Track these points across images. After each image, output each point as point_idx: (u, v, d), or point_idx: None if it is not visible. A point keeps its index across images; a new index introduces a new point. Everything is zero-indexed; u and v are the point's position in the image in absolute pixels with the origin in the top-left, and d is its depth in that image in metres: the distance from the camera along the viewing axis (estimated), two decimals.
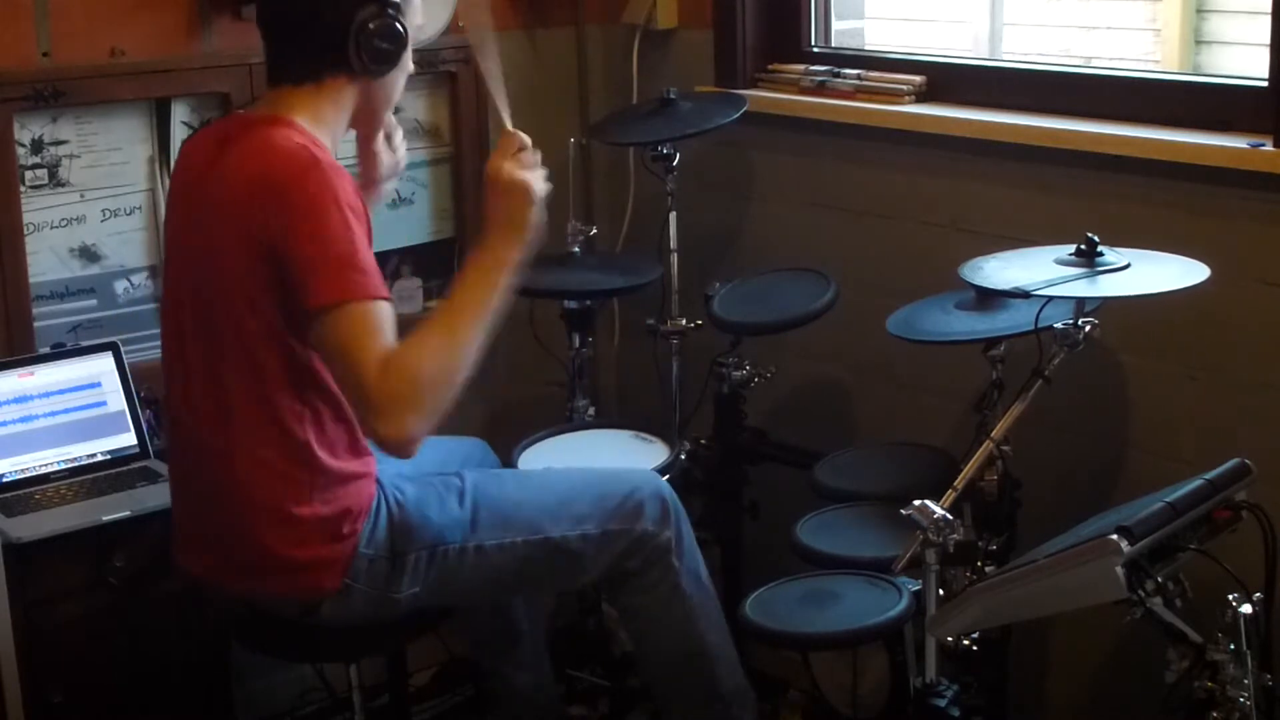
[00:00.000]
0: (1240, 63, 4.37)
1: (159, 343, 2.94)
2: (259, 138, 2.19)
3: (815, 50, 3.28)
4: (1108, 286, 2.20)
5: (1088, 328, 2.24)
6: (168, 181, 2.97)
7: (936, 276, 2.68)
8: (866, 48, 3.53)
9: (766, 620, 2.34)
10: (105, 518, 2.60)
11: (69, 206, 2.90)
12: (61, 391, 2.78)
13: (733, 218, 3.38)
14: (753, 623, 2.34)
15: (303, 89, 2.23)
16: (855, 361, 3.15)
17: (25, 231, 2.82)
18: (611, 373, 3.67)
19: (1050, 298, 2.20)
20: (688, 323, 3.13)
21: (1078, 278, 2.21)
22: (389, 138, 2.50)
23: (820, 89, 3.11)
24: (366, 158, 2.50)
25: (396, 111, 2.50)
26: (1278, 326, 2.46)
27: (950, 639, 2.28)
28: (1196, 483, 2.07)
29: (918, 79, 2.97)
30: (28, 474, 2.71)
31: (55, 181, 2.87)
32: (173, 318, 2.31)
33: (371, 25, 2.19)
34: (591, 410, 3.20)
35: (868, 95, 3.02)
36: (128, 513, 2.61)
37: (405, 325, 2.16)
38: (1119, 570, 1.91)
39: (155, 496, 2.66)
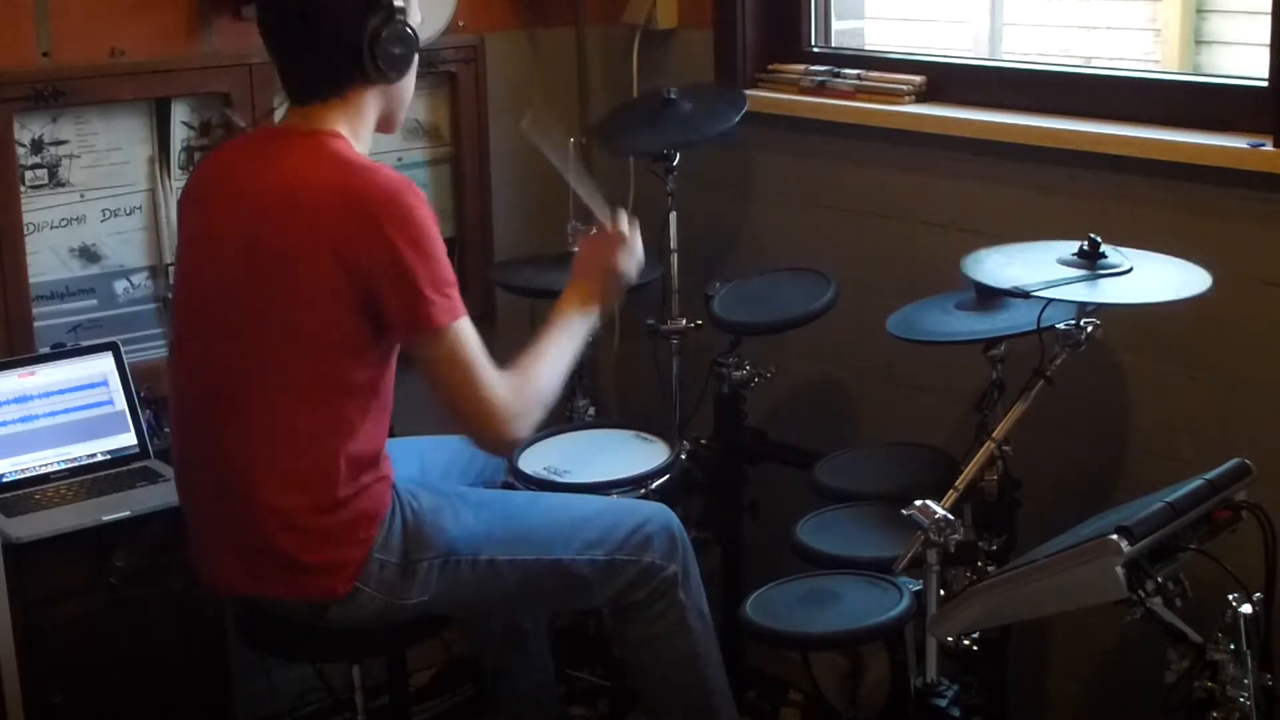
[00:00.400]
0: (1240, 63, 4.37)
1: (160, 342, 2.96)
2: (325, 149, 2.20)
3: (815, 50, 3.28)
4: (1110, 292, 2.19)
5: (1090, 328, 2.24)
6: (168, 181, 2.97)
7: (936, 276, 2.68)
8: (866, 48, 3.52)
9: (766, 620, 2.34)
10: (105, 518, 2.60)
11: (69, 206, 2.90)
12: (61, 391, 2.78)
13: (733, 218, 3.38)
14: (753, 623, 2.34)
15: (331, 105, 2.24)
16: (855, 361, 3.15)
17: (25, 231, 2.82)
18: (611, 373, 3.67)
19: (1051, 299, 2.20)
20: (688, 323, 3.13)
21: (1080, 279, 2.21)
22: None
23: (820, 89, 3.11)
24: None
25: None
26: (1278, 326, 2.46)
27: (950, 639, 2.28)
28: (1196, 483, 2.07)
29: (918, 79, 2.97)
30: (28, 474, 2.71)
31: (55, 181, 2.87)
32: (205, 317, 2.27)
33: (383, 33, 2.20)
34: (591, 410, 3.20)
35: (868, 95, 3.02)
36: (128, 513, 2.61)
37: None
38: (1119, 570, 1.91)
39: (155, 496, 2.66)
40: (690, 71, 3.34)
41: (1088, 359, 2.32)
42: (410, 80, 2.34)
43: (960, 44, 4.39)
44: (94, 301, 2.95)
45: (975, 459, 2.30)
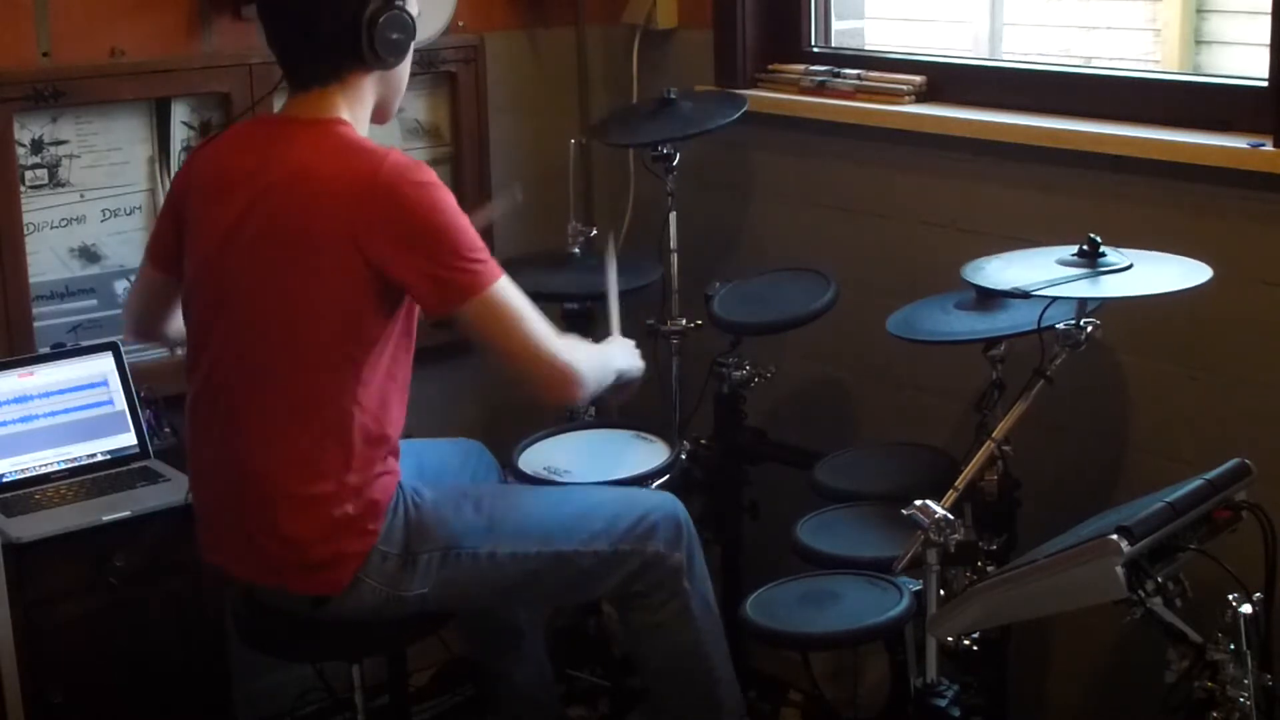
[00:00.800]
0: (1240, 63, 4.37)
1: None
2: (333, 135, 2.23)
3: (815, 50, 3.28)
4: (1110, 287, 2.20)
5: (1090, 328, 2.24)
6: (168, 181, 2.97)
7: (936, 276, 2.68)
8: (866, 48, 3.53)
9: (766, 620, 2.34)
10: (105, 518, 2.60)
11: (69, 206, 2.90)
12: (61, 391, 2.78)
13: (733, 218, 3.38)
14: (753, 623, 2.34)
15: (330, 89, 2.27)
16: (855, 361, 3.15)
17: (25, 231, 2.82)
18: None
19: (1053, 298, 2.20)
20: (688, 323, 3.13)
21: (1080, 278, 2.21)
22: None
23: (820, 89, 3.11)
24: None
25: (400, 112, 2.52)
26: (1278, 326, 2.46)
27: (950, 639, 2.28)
28: (1196, 483, 2.07)
29: (918, 79, 2.97)
30: (28, 474, 2.71)
31: (55, 181, 2.87)
32: (223, 305, 2.28)
33: (381, 18, 2.23)
34: (591, 410, 3.20)
35: (868, 95, 3.02)
36: (128, 513, 2.61)
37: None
38: (1119, 570, 1.91)
39: (155, 496, 2.66)
40: (690, 71, 3.34)
41: (1088, 359, 2.32)
42: (405, 69, 2.36)
43: (960, 44, 4.39)
44: (94, 301, 2.95)
45: (975, 459, 2.30)
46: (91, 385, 2.81)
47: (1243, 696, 1.99)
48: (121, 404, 2.81)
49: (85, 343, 2.88)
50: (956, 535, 2.14)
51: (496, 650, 2.77)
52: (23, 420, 2.73)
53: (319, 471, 2.23)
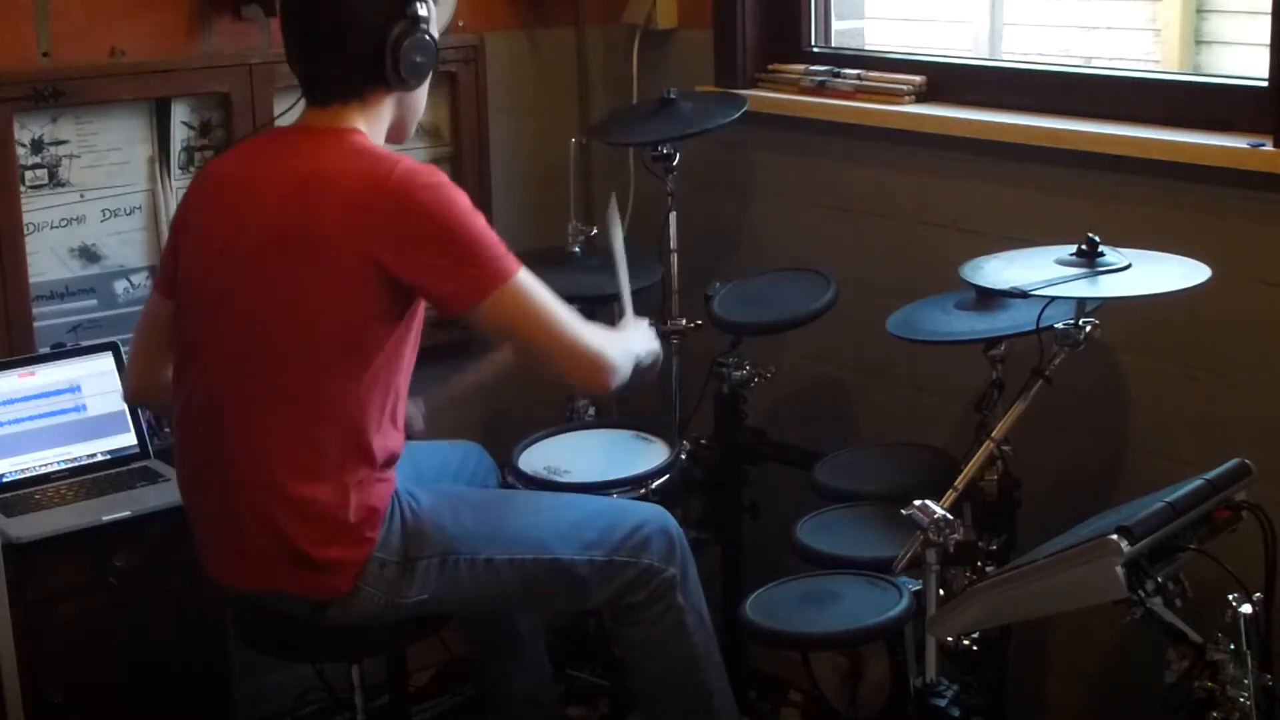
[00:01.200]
0: (1240, 63, 4.37)
1: None
2: (347, 142, 2.23)
3: (815, 50, 3.28)
4: (1109, 287, 2.20)
5: (1089, 328, 2.24)
6: (168, 181, 2.97)
7: (936, 276, 2.68)
8: (866, 48, 3.53)
9: (766, 620, 2.34)
10: (105, 518, 2.60)
11: (69, 206, 2.90)
12: (61, 391, 2.78)
13: (733, 218, 3.38)
14: (753, 623, 2.34)
15: (350, 106, 2.27)
16: (855, 361, 3.15)
17: (25, 231, 2.82)
18: None
19: (1052, 298, 2.20)
20: (688, 323, 3.13)
21: (1079, 278, 2.21)
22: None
23: (820, 89, 3.11)
24: None
25: None
26: (1278, 326, 2.46)
27: (950, 639, 2.28)
28: (1196, 483, 2.07)
29: (918, 79, 2.97)
30: (28, 474, 2.71)
31: (55, 181, 2.87)
32: (221, 308, 2.26)
33: (405, 41, 2.23)
34: (591, 410, 3.20)
35: (868, 95, 3.02)
36: (128, 513, 2.61)
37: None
38: (1119, 570, 1.91)
39: (155, 496, 2.66)
40: (690, 71, 3.35)
41: (1087, 359, 2.32)
42: (424, 91, 2.37)
43: (960, 44, 4.39)
44: (94, 301, 2.95)
45: (975, 459, 2.30)
46: (91, 385, 2.81)
47: (1243, 696, 1.99)
48: (121, 404, 2.81)
49: (85, 343, 2.88)
50: (956, 535, 2.14)
51: (496, 651, 2.77)
52: (23, 420, 2.73)
53: (318, 475, 2.22)
